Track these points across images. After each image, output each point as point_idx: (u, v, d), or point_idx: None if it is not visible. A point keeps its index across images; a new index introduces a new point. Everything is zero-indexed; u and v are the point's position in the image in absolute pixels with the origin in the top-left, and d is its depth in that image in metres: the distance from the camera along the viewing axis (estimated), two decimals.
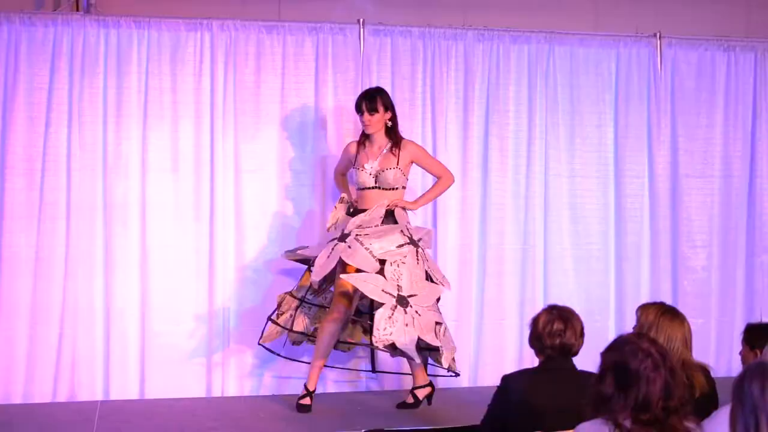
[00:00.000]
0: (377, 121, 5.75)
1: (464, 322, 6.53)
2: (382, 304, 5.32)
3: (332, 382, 6.30)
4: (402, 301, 5.36)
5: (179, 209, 6.25)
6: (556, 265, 6.73)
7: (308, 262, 5.85)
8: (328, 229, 5.89)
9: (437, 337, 5.44)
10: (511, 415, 3.86)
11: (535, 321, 3.98)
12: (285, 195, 6.35)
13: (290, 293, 5.90)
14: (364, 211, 5.72)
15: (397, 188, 5.77)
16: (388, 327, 5.27)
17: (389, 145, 5.77)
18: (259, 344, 5.86)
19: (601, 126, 6.79)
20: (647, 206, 6.85)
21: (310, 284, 5.75)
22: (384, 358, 6.13)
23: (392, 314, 5.30)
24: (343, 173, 6.06)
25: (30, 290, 6.06)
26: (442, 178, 5.93)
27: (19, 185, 6.05)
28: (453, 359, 5.54)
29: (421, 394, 5.74)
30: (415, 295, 5.42)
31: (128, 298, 6.18)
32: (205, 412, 5.70)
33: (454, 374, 5.68)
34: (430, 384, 5.79)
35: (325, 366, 5.72)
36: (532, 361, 6.30)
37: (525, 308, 6.59)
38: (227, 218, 6.27)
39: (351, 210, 5.83)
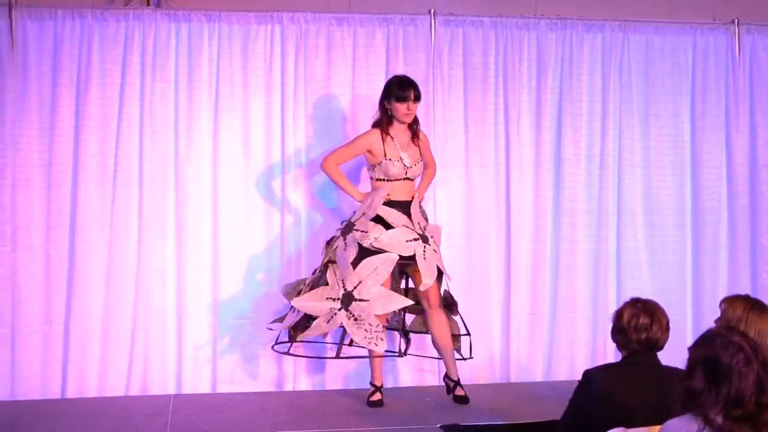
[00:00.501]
0: (415, 109, 5.73)
1: (538, 315, 6.50)
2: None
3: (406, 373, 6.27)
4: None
5: (250, 203, 6.28)
6: (630, 257, 6.64)
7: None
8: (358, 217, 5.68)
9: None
10: (594, 410, 3.80)
11: (619, 315, 3.90)
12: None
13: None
14: (399, 203, 5.67)
15: (416, 178, 5.82)
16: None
17: (410, 134, 5.76)
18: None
19: (678, 116, 6.68)
20: (725, 197, 6.73)
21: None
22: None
23: None
24: (344, 162, 5.82)
25: (103, 286, 6.12)
26: (432, 167, 5.95)
27: (92, 180, 6.11)
28: None
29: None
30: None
31: (200, 293, 6.22)
32: (276, 406, 5.69)
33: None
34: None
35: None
36: (605, 354, 6.37)
37: (598, 302, 6.57)
38: (298, 212, 6.27)
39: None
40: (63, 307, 6.10)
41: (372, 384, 5.70)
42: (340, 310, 5.43)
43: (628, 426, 3.57)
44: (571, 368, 6.47)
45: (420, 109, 6.29)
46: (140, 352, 6.17)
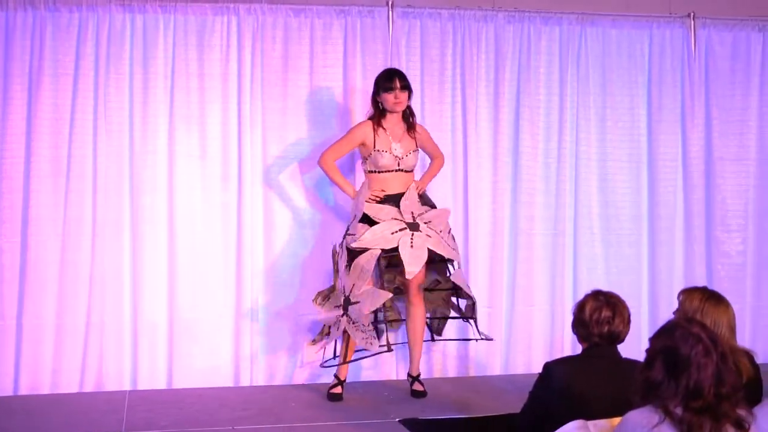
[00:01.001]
0: (405, 98, 5.74)
1: (496, 308, 6.53)
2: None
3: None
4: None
5: (206, 196, 6.23)
6: (586, 250, 6.70)
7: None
8: (354, 216, 5.76)
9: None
10: (554, 402, 3.83)
11: (580, 307, 3.93)
12: (314, 184, 6.29)
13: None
14: (392, 197, 5.71)
15: (413, 170, 5.87)
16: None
17: (405, 127, 5.80)
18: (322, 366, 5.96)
19: (634, 109, 6.74)
20: (681, 190, 6.80)
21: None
22: None
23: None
24: (339, 157, 5.92)
25: (57, 280, 6.06)
26: (439, 159, 6.07)
27: (45, 173, 6.04)
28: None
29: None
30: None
31: (156, 288, 6.17)
32: (234, 401, 5.67)
33: (488, 338, 5.98)
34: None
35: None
36: (562, 348, 6.42)
37: (555, 295, 6.62)
38: (255, 207, 6.24)
39: (376, 198, 5.74)
40: (15, 301, 6.02)
41: (336, 376, 5.73)
42: (342, 316, 5.57)
43: (588, 419, 3.60)
44: (528, 362, 6.52)
45: None
46: (95, 347, 6.10)
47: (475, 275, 6.46)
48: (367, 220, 5.63)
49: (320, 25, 6.33)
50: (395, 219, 5.62)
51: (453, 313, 6.12)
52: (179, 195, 6.19)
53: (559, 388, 3.82)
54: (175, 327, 6.20)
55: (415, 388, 5.76)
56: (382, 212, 5.65)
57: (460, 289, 5.83)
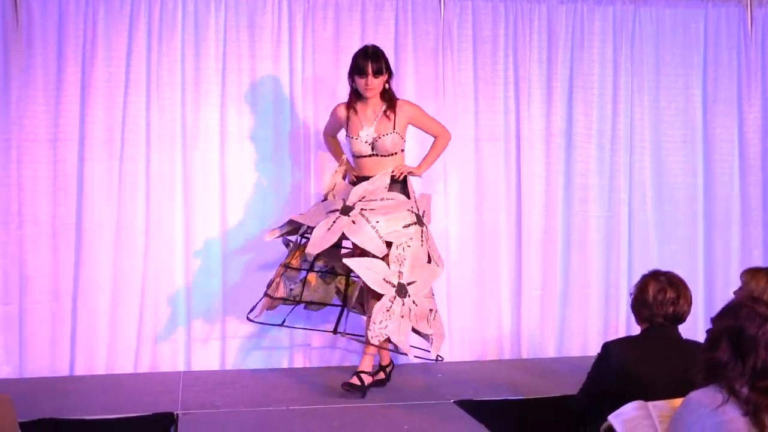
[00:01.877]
0: (380, 83, 5.45)
1: (549, 291, 6.55)
2: (381, 295, 5.20)
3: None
4: (401, 290, 5.22)
5: (259, 178, 6.30)
6: (641, 232, 6.70)
7: (297, 231, 5.66)
8: (325, 196, 5.69)
9: (429, 325, 5.36)
10: (613, 383, 3.85)
11: (642, 288, 3.93)
12: None
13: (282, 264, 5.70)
14: (365, 179, 5.50)
15: (396, 153, 5.52)
16: (384, 321, 5.13)
17: (384, 107, 5.49)
18: (248, 318, 5.76)
19: (688, 89, 6.73)
20: (737, 171, 6.78)
21: (304, 256, 5.52)
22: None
23: (390, 306, 5.17)
24: (333, 135, 5.84)
25: (111, 263, 6.16)
26: (439, 137, 5.66)
27: (98, 154, 6.13)
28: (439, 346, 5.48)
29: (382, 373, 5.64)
30: (414, 282, 5.28)
31: (208, 270, 6.22)
32: (287, 383, 5.72)
33: (439, 359, 5.54)
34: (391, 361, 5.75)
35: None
36: (617, 330, 6.41)
37: (610, 277, 6.63)
38: (307, 184, 6.27)
39: (352, 179, 5.62)
40: (71, 283, 6.11)
41: (379, 365, 5.63)
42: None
43: (648, 399, 3.59)
44: (583, 344, 6.53)
45: (429, 84, 6.32)
46: (149, 329, 6.19)
47: (528, 258, 6.48)
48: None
49: (371, 6, 6.35)
50: (342, 199, 5.42)
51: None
52: (231, 177, 6.25)
53: (618, 368, 3.83)
54: (228, 309, 6.24)
55: (351, 380, 5.36)
56: (345, 191, 5.49)
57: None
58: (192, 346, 6.23)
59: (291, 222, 5.68)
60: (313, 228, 5.39)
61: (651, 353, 3.82)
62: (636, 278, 4.15)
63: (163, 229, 6.19)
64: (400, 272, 5.23)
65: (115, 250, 6.14)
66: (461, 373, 5.81)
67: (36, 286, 6.08)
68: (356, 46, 6.22)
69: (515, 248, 6.50)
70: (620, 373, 3.82)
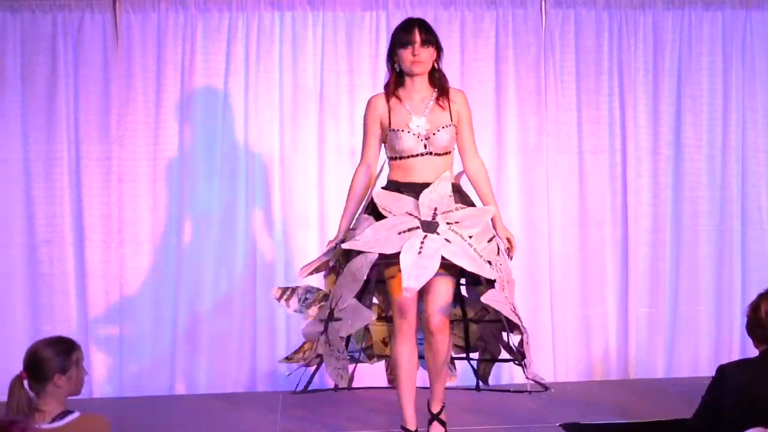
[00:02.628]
0: (429, 57, 4.49)
1: (658, 309, 6.42)
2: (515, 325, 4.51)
3: None
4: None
5: None
6: (756, 247, 6.50)
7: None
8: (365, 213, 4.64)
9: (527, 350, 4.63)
10: (729, 407, 3.73)
11: (755, 308, 3.84)
12: None
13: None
14: (412, 186, 4.48)
15: (450, 152, 4.56)
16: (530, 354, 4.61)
17: (435, 94, 4.55)
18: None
19: None
20: None
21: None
22: None
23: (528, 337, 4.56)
24: (373, 153, 4.65)
25: (211, 280, 6.21)
26: (480, 164, 4.66)
27: (199, 171, 6.20)
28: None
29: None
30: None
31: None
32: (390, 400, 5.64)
33: (543, 388, 4.82)
34: None
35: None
36: (730, 350, 6.22)
37: (722, 294, 6.46)
38: None
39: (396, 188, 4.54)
40: (172, 302, 6.18)
41: (403, 428, 4.56)
42: (322, 334, 4.56)
43: (765, 422, 3.47)
44: (694, 364, 6.37)
45: (531, 96, 6.23)
46: (247, 348, 6.22)
47: (635, 275, 6.37)
48: (376, 213, 4.47)
49: (470, 18, 6.30)
50: (409, 214, 4.37)
51: (503, 354, 4.92)
52: (329, 195, 6.24)
53: (735, 392, 3.72)
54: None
55: (431, 429, 4.56)
56: (396, 203, 4.41)
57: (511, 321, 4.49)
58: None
59: (334, 252, 4.68)
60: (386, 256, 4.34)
61: None
62: (751, 295, 4.03)
63: (262, 248, 6.21)
64: (506, 297, 4.43)
65: (215, 268, 6.18)
66: (566, 394, 5.67)
67: (137, 305, 6.15)
68: (456, 59, 6.18)
69: (621, 264, 6.37)
70: (737, 397, 3.71)
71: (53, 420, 3.59)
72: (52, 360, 3.62)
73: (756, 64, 6.45)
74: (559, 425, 4.99)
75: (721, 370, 3.85)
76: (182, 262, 6.16)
